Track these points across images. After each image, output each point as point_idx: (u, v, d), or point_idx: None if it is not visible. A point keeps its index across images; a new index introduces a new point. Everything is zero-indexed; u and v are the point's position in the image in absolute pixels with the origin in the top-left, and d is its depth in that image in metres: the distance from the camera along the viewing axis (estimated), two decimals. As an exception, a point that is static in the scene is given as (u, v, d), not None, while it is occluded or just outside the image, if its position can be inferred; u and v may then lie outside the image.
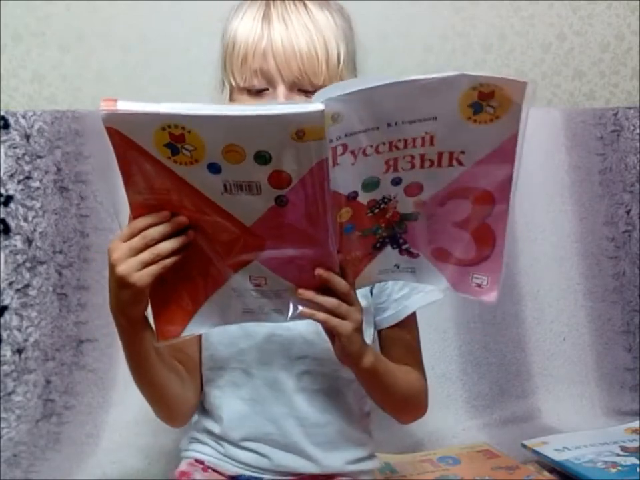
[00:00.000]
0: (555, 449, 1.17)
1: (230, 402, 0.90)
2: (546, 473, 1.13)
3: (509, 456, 1.18)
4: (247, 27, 0.83)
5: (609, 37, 1.66)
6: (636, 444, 1.17)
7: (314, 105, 0.61)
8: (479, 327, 1.44)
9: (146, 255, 0.69)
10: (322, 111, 0.61)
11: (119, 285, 0.71)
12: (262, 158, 0.64)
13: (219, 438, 0.91)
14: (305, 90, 0.82)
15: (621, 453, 1.15)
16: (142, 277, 0.69)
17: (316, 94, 0.63)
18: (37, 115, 1.40)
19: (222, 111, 0.62)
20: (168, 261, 0.70)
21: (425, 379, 0.95)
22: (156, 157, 0.65)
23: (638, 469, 1.08)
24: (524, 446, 1.20)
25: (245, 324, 0.80)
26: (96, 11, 1.50)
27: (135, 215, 0.70)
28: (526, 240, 1.47)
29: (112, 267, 0.70)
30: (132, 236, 0.69)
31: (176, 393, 0.87)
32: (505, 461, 1.16)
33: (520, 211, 1.47)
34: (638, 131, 1.56)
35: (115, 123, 0.64)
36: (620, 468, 1.09)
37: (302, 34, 0.81)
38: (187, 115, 0.62)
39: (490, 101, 0.65)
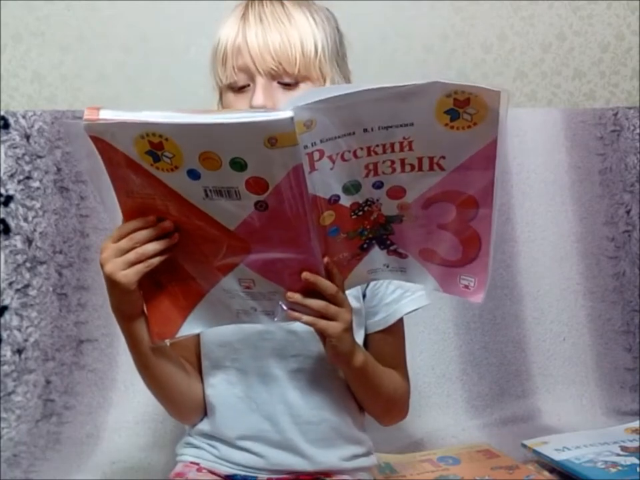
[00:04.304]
0: (555, 448, 1.17)
1: (224, 400, 0.90)
2: (546, 473, 1.13)
3: (509, 456, 1.18)
4: (227, 29, 0.86)
5: (609, 37, 1.67)
6: (636, 444, 1.17)
7: (283, 113, 0.62)
8: (478, 327, 1.44)
9: (131, 255, 0.73)
10: (291, 118, 0.62)
11: (108, 283, 0.75)
12: (237, 165, 0.65)
13: (213, 439, 0.91)
14: (284, 83, 0.84)
15: (621, 452, 1.15)
16: (127, 276, 0.73)
17: (287, 101, 0.64)
18: (37, 115, 1.40)
19: (194, 119, 0.63)
20: (152, 261, 0.74)
21: (409, 384, 0.95)
22: (139, 163, 0.67)
23: (638, 469, 1.08)
24: (524, 446, 1.20)
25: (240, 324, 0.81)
26: (96, 10, 1.50)
27: (125, 218, 0.73)
28: (526, 240, 1.47)
29: (101, 266, 0.75)
30: (120, 238, 0.74)
31: (182, 390, 0.89)
32: (505, 460, 1.16)
33: (520, 210, 1.48)
34: (638, 131, 1.56)
35: (97, 131, 0.66)
36: (620, 468, 1.09)
37: (275, 27, 0.83)
38: (160, 123, 0.64)
39: (466, 108, 0.65)
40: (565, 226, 1.51)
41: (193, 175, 0.67)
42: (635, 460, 1.11)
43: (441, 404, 1.38)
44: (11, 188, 1.37)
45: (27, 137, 1.39)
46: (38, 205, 1.38)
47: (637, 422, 1.29)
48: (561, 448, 1.17)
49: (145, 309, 0.79)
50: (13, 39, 1.49)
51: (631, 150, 1.55)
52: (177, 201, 0.70)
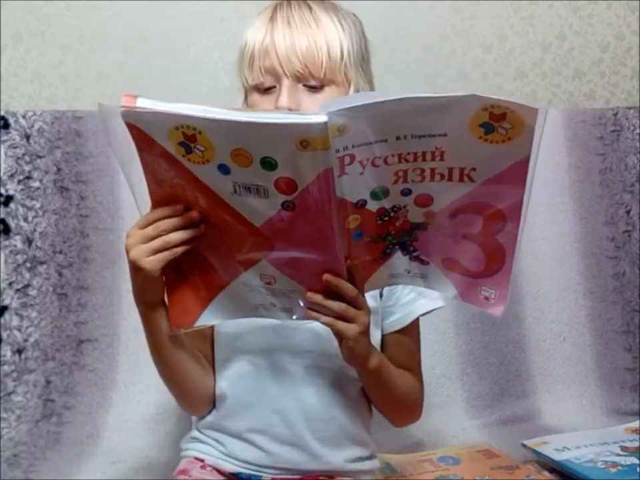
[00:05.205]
0: (555, 448, 1.17)
1: (235, 392, 0.90)
2: (546, 473, 1.13)
3: (509, 456, 1.18)
4: (254, 30, 0.87)
5: (609, 37, 1.67)
6: (636, 444, 1.17)
7: (317, 117, 0.62)
8: (478, 327, 1.44)
9: (156, 243, 0.74)
10: (325, 123, 0.62)
11: (132, 269, 0.76)
12: (268, 164, 0.66)
13: (220, 431, 0.91)
14: (310, 85, 0.85)
15: (621, 452, 1.15)
16: (151, 262, 0.74)
17: (322, 105, 0.64)
18: (37, 115, 1.40)
19: (229, 115, 0.64)
20: (177, 250, 0.74)
21: (422, 385, 0.95)
22: (172, 153, 0.68)
23: (638, 469, 1.08)
24: (524, 446, 1.20)
25: (258, 319, 0.81)
26: (96, 10, 1.50)
27: (154, 206, 0.74)
28: (526, 240, 1.47)
29: (126, 252, 0.76)
30: (147, 225, 0.74)
31: (194, 381, 0.89)
32: (505, 460, 1.16)
33: (520, 210, 1.48)
34: (638, 131, 1.56)
35: (132, 119, 0.67)
36: (620, 468, 1.09)
37: (303, 31, 0.84)
38: (195, 116, 0.64)
39: (502, 123, 0.65)
40: (564, 226, 1.51)
41: (223, 169, 0.67)
42: (635, 460, 1.11)
43: (441, 404, 1.38)
44: (11, 188, 1.37)
45: (27, 137, 1.39)
46: (38, 205, 1.38)
47: (637, 422, 1.29)
48: (561, 448, 1.17)
49: (166, 296, 0.79)
50: (12, 39, 1.49)
51: (631, 150, 1.55)
52: (205, 193, 0.71)
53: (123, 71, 1.52)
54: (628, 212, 1.53)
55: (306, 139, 0.63)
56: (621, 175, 1.54)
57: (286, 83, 0.84)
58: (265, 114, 0.65)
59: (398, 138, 0.67)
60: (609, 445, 1.18)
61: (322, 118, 0.62)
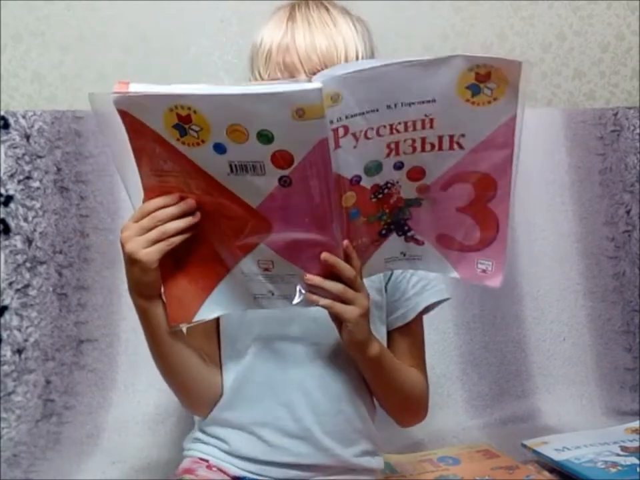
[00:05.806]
0: (555, 448, 1.17)
1: (241, 385, 0.90)
2: (546, 473, 1.13)
3: (509, 456, 1.18)
4: (272, 28, 0.89)
5: (609, 36, 1.67)
6: (636, 444, 1.17)
7: (311, 84, 0.63)
8: (478, 327, 1.44)
9: (153, 234, 0.74)
10: (319, 90, 0.63)
11: (129, 261, 0.75)
12: (264, 137, 0.66)
13: (225, 426, 0.91)
14: None
15: (621, 452, 1.15)
16: (148, 254, 0.74)
17: (316, 75, 0.65)
18: (37, 115, 1.40)
19: (223, 90, 0.64)
20: (175, 239, 0.74)
21: (427, 383, 0.96)
22: (166, 138, 0.68)
23: (638, 469, 1.08)
24: (524, 446, 1.20)
25: (260, 310, 0.81)
26: (96, 10, 1.50)
27: (147, 197, 0.74)
28: (526, 240, 1.47)
29: (122, 245, 0.75)
30: (142, 217, 0.74)
31: (197, 378, 0.88)
32: (505, 460, 1.16)
33: (520, 210, 1.48)
34: (638, 131, 1.56)
35: (125, 105, 0.67)
36: (620, 468, 1.09)
37: (322, 31, 0.86)
38: (189, 94, 0.65)
39: (487, 83, 0.66)
40: (564, 226, 1.51)
41: (219, 149, 0.67)
42: (635, 460, 1.11)
43: (441, 404, 1.38)
44: (11, 188, 1.37)
45: (27, 137, 1.39)
46: (38, 205, 1.38)
47: (637, 422, 1.29)
48: (561, 448, 1.17)
49: (163, 291, 0.79)
50: (12, 39, 1.49)
51: (631, 150, 1.55)
52: (200, 178, 0.70)
53: (123, 70, 1.51)
54: (628, 212, 1.53)
55: (301, 108, 0.63)
56: (621, 174, 1.54)
57: (302, 79, 0.85)
58: (259, 85, 0.66)
59: (389, 107, 0.68)
60: (609, 444, 1.18)
61: (316, 85, 0.63)
